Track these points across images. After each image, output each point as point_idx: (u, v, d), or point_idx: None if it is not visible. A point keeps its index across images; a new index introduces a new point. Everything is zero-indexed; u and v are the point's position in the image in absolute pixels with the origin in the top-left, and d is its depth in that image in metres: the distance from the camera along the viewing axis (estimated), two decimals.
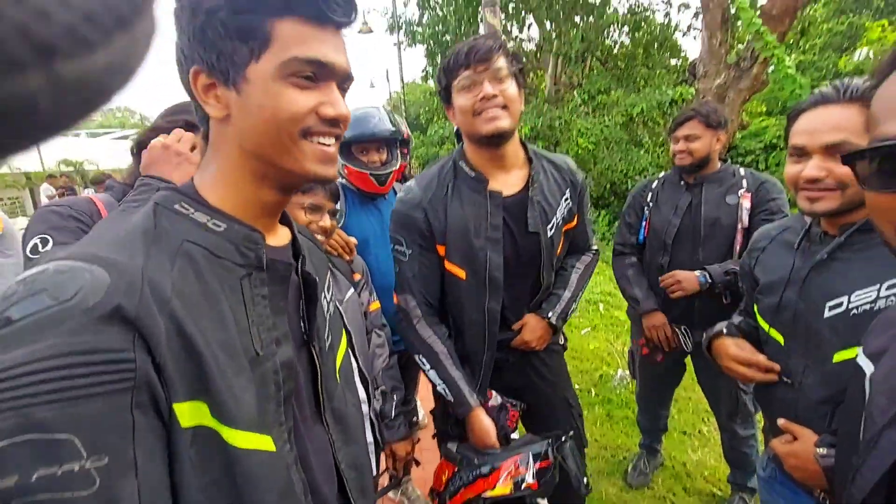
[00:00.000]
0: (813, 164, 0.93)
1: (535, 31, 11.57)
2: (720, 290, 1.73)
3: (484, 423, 1.25)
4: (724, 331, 1.22)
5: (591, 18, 10.31)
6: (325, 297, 0.74)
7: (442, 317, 1.35)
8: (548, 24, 10.74)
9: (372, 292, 1.56)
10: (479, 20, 10.60)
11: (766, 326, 1.12)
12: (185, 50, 0.55)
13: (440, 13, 11.55)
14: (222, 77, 0.54)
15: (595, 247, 1.54)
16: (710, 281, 1.73)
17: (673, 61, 11.06)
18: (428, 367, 1.29)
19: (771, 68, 5.67)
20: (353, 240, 1.50)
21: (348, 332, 1.26)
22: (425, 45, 11.58)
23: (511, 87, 1.17)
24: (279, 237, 0.67)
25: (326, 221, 1.28)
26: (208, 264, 0.54)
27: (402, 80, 14.04)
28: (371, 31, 11.12)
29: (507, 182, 1.27)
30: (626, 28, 10.57)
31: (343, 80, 0.60)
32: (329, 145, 0.59)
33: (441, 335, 1.30)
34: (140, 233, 0.52)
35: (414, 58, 21.35)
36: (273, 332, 0.58)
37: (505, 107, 1.16)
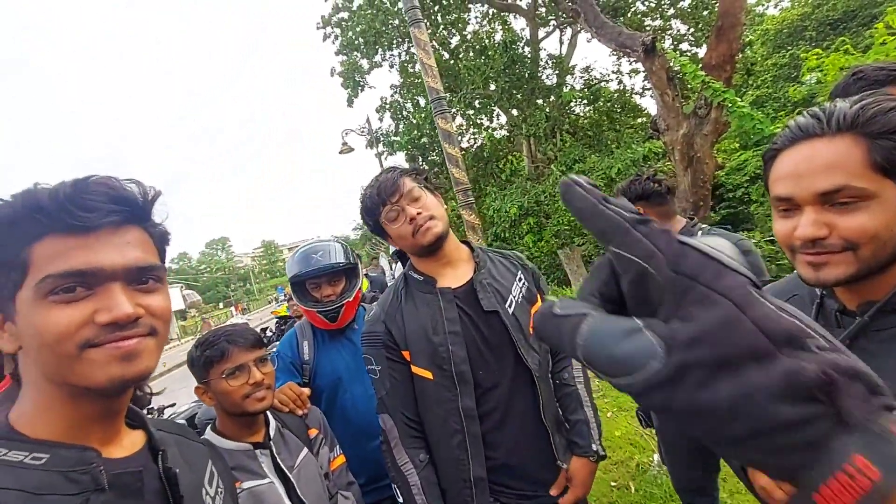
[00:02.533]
0: (808, 219, 0.69)
1: (504, 119, 12.34)
2: None
3: None
4: None
5: (551, 99, 11.03)
6: (205, 491, 0.69)
7: (422, 436, 1.31)
8: (513, 111, 11.48)
9: (334, 446, 1.42)
10: None
11: None
12: None
13: (413, 121, 12.43)
14: (2, 312, 0.56)
15: None
16: None
17: (638, 120, 11.60)
18: (400, 499, 1.25)
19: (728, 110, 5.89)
20: (305, 391, 1.40)
21: None
22: (405, 152, 12.29)
23: (428, 199, 1.28)
24: (126, 445, 0.62)
25: (257, 375, 1.19)
26: None
27: None
28: (352, 150, 11.86)
29: (455, 277, 1.32)
30: (585, 102, 11.25)
31: (132, 275, 0.58)
32: (126, 343, 0.56)
33: (418, 463, 1.25)
34: None
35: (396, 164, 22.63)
36: None
37: (432, 217, 1.25)
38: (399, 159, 12.45)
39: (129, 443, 0.62)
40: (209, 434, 1.19)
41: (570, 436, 1.36)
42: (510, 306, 1.30)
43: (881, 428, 0.22)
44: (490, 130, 12.22)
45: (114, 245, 0.57)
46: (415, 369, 1.26)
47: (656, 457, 2.93)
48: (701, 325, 0.24)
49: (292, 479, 1.19)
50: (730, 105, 5.67)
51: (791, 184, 0.70)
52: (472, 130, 12.68)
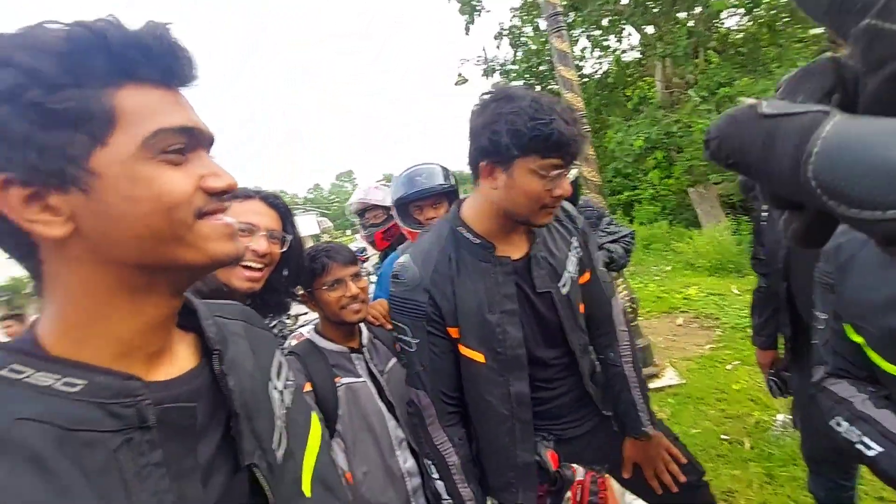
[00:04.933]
0: None
1: (636, 38, 10.94)
2: None
3: None
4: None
5: (696, 10, 9.41)
6: (273, 385, 0.61)
7: (460, 412, 1.20)
8: (648, 28, 10.08)
9: None
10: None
11: (883, 364, 0.83)
12: None
13: (532, 46, 11.63)
14: (55, 180, 0.41)
15: (623, 325, 1.31)
16: None
17: (810, 32, 9.44)
18: (436, 476, 1.16)
19: None
20: None
21: (324, 417, 1.16)
22: (522, 82, 11.68)
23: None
24: (180, 356, 0.52)
25: (353, 288, 1.29)
26: (57, 448, 0.38)
27: None
28: (467, 81, 11.58)
29: (514, 244, 1.15)
30: (741, 10, 9.40)
31: (211, 144, 0.51)
32: (229, 219, 0.50)
33: (457, 442, 1.15)
34: None
35: None
36: None
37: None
38: None
39: (183, 354, 0.53)
40: (313, 335, 1.34)
41: (618, 419, 1.28)
42: (564, 286, 1.16)
43: None
44: (618, 53, 10.95)
45: (191, 107, 0.49)
46: (464, 350, 1.12)
47: (780, 417, 2.64)
48: None
49: (382, 382, 1.32)
50: None
51: None
52: (596, 54, 11.49)
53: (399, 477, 1.27)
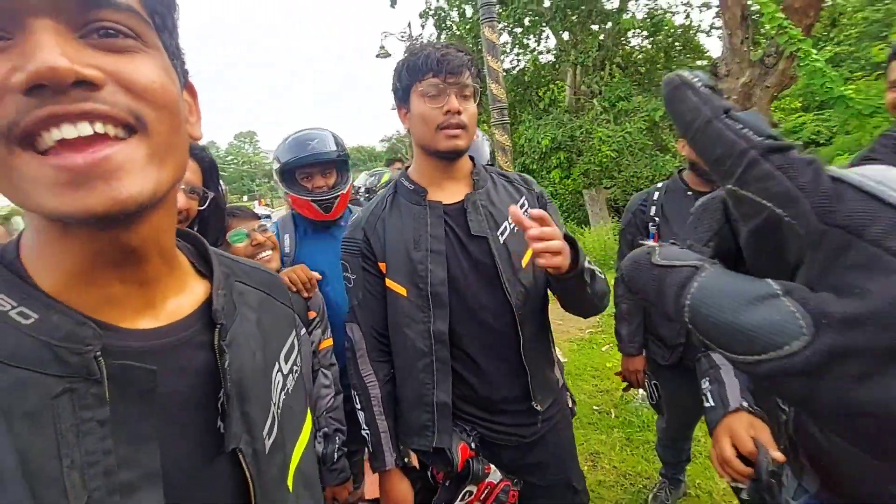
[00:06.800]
0: None
1: (553, 42, 11.54)
2: None
3: (399, 488, 1.19)
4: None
5: (607, 25, 10.20)
6: (278, 367, 0.55)
7: (389, 352, 1.25)
8: (564, 34, 10.70)
9: (326, 329, 1.49)
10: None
11: None
12: None
13: (456, 32, 11.71)
14: None
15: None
16: None
17: (698, 62, 10.75)
18: (359, 406, 1.24)
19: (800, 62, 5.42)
20: (315, 275, 1.44)
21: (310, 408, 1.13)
22: None
23: (473, 107, 1.14)
24: (175, 305, 0.45)
25: (259, 237, 1.29)
26: None
27: None
28: (389, 55, 11.32)
29: (451, 191, 1.21)
30: (644, 33, 10.39)
31: (72, 10, 0.33)
32: (80, 155, 0.33)
33: (381, 378, 1.22)
34: None
35: None
36: (120, 474, 0.36)
37: (466, 127, 1.12)
38: None
39: (180, 303, 0.46)
40: None
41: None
42: (502, 234, 1.18)
43: None
44: (535, 53, 11.48)
45: None
46: (389, 283, 1.19)
47: (642, 392, 3.07)
48: (869, 300, 0.17)
49: (303, 377, 1.29)
50: (803, 57, 5.20)
51: None
52: (516, 51, 11.92)
53: None
